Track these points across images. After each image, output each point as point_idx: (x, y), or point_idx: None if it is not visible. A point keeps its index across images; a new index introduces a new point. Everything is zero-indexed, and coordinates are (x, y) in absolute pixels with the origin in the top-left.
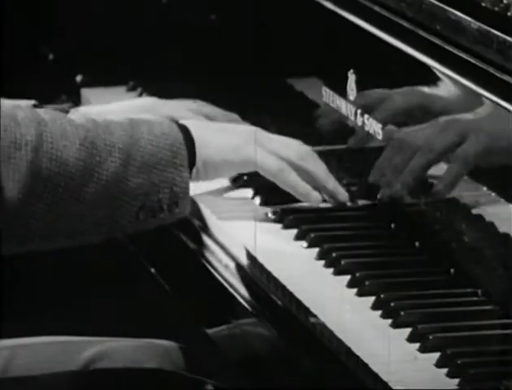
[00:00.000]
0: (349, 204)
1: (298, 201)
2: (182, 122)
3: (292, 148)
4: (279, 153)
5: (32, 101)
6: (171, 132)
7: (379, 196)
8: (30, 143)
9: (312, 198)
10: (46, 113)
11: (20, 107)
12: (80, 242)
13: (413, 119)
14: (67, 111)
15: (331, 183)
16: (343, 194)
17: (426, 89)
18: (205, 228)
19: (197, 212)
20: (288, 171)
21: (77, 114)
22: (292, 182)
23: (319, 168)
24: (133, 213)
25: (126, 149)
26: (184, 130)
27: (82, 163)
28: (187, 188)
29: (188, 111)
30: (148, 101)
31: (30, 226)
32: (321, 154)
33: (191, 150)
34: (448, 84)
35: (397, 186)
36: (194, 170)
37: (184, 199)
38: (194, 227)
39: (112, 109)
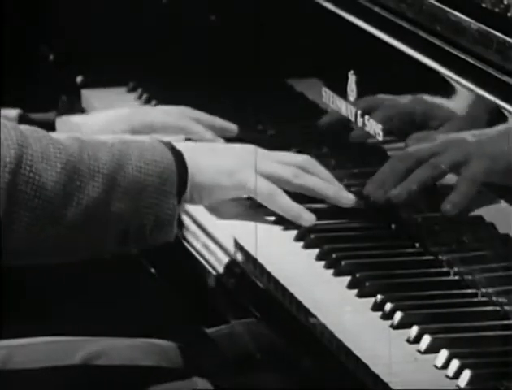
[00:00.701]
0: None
1: (298, 201)
2: (177, 147)
3: (288, 166)
4: (274, 175)
5: (17, 111)
6: (164, 158)
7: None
8: (9, 165)
9: (304, 220)
10: (32, 132)
11: (5, 125)
12: (60, 261)
13: (414, 122)
14: (52, 121)
15: (332, 190)
16: (346, 198)
17: (427, 92)
18: (205, 229)
19: (196, 212)
20: (279, 195)
21: (66, 135)
22: (283, 205)
23: (316, 181)
24: (113, 237)
25: (110, 175)
26: (178, 156)
27: (61, 187)
28: (173, 215)
29: (168, 117)
30: (125, 111)
31: (10, 244)
32: (321, 155)
33: (182, 177)
34: (448, 85)
35: (395, 195)
36: (187, 195)
37: (170, 225)
38: (194, 227)
39: (94, 120)
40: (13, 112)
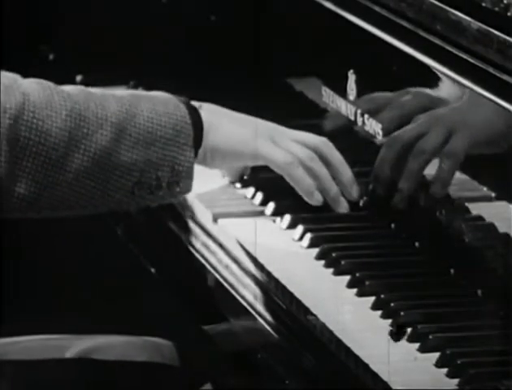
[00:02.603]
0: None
1: (298, 201)
2: (195, 103)
3: (305, 147)
4: (290, 150)
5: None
6: (177, 111)
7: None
8: (9, 111)
9: (313, 198)
10: (36, 83)
11: (6, 76)
12: (66, 214)
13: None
14: None
15: (334, 191)
16: (343, 205)
17: (427, 90)
18: (205, 228)
19: (196, 212)
20: (296, 166)
21: (72, 86)
22: (297, 177)
23: (326, 174)
24: (128, 188)
25: (120, 124)
26: (194, 111)
27: (67, 134)
28: (190, 168)
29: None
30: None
31: (13, 193)
32: None
33: (198, 132)
34: (448, 85)
35: (397, 191)
36: (201, 153)
37: (187, 178)
38: (194, 226)
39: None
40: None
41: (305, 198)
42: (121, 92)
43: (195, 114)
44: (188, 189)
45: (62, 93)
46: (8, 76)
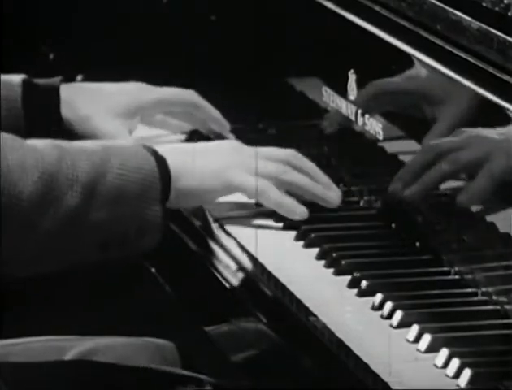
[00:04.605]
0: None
1: (297, 201)
2: (160, 152)
3: (274, 162)
4: (261, 172)
5: (21, 76)
6: (146, 164)
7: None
8: None
9: (297, 215)
10: (10, 141)
11: None
12: (39, 272)
13: (413, 121)
14: (57, 87)
15: (319, 190)
16: (333, 198)
17: (426, 91)
18: (205, 228)
19: (197, 212)
20: (271, 191)
21: (45, 142)
22: (275, 201)
23: (304, 178)
24: (96, 245)
25: (90, 184)
26: (161, 161)
27: (38, 198)
28: (157, 222)
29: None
30: (134, 86)
31: None
32: (321, 154)
33: (166, 185)
34: (448, 84)
35: (411, 190)
36: (173, 198)
37: (155, 232)
38: (195, 227)
39: (101, 90)
40: (17, 77)
41: (290, 217)
42: (92, 145)
43: (163, 166)
44: (157, 242)
45: (35, 152)
46: None
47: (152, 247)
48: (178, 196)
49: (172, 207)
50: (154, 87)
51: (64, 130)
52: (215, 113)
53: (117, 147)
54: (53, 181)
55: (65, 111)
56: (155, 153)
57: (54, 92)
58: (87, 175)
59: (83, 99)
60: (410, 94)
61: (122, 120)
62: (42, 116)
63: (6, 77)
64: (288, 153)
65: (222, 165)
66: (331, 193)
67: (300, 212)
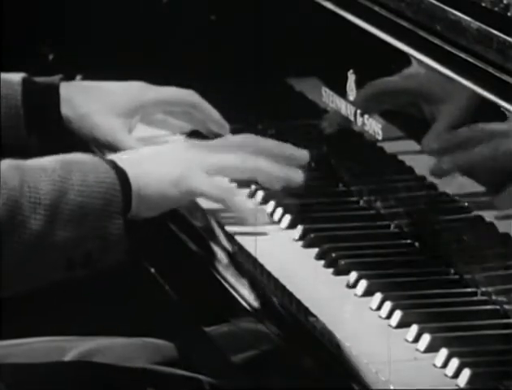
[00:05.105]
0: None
1: (298, 202)
2: (120, 163)
3: (233, 152)
4: (222, 166)
5: (21, 74)
6: (106, 177)
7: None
8: None
9: (258, 220)
10: None
11: None
12: (10, 294)
13: (413, 121)
14: (57, 85)
15: (280, 171)
16: (297, 176)
17: (426, 91)
18: (205, 228)
19: (196, 212)
20: (231, 197)
21: (5, 164)
22: (236, 206)
23: (265, 162)
24: (61, 264)
25: (52, 205)
26: (121, 173)
27: (4, 225)
28: (120, 235)
29: (178, 92)
30: (136, 85)
31: None
32: (321, 154)
33: (127, 197)
34: (448, 84)
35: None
36: (134, 211)
37: (118, 245)
38: (194, 227)
39: (102, 89)
40: (17, 76)
41: (249, 223)
42: (51, 163)
43: (123, 178)
44: (121, 255)
45: None
46: None
47: (117, 261)
48: (139, 206)
49: (134, 218)
50: (155, 86)
51: (64, 128)
52: (215, 113)
53: (76, 162)
54: (17, 206)
55: (65, 109)
56: (115, 166)
57: (54, 90)
58: (49, 197)
59: (83, 97)
60: (410, 94)
61: (122, 119)
62: (42, 114)
63: (6, 76)
64: (244, 137)
65: (181, 171)
66: (294, 173)
67: (260, 219)
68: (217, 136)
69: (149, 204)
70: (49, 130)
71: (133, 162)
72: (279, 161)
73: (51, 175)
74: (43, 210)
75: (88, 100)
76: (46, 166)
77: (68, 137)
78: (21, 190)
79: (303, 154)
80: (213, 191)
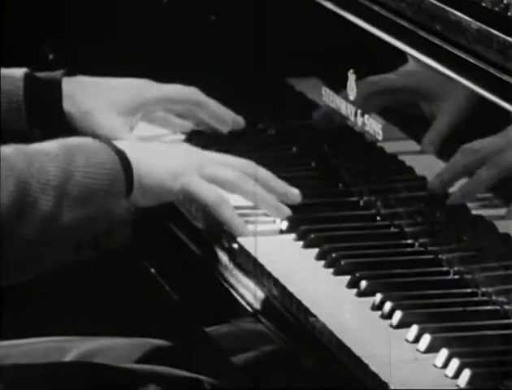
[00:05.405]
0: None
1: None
2: (120, 147)
3: (232, 168)
4: (218, 177)
5: (23, 69)
6: (109, 159)
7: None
8: None
9: (245, 234)
10: None
11: None
12: (20, 279)
13: (412, 121)
14: (59, 80)
15: (271, 201)
16: (284, 211)
17: (426, 91)
18: (205, 229)
19: (196, 212)
20: (225, 206)
21: (11, 148)
22: (227, 216)
23: (258, 189)
24: (70, 246)
25: (60, 186)
26: (123, 156)
27: (14, 207)
28: (124, 215)
29: (182, 90)
30: (139, 83)
31: None
32: (321, 154)
33: (129, 177)
34: (448, 84)
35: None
36: (136, 194)
37: (124, 226)
38: (194, 227)
39: (104, 85)
40: (19, 71)
41: (237, 235)
42: (53, 148)
43: (124, 159)
44: (126, 235)
45: (6, 161)
46: None
47: (122, 242)
48: (139, 191)
49: (132, 204)
50: (157, 83)
51: (65, 124)
52: (220, 111)
53: (78, 145)
54: (26, 188)
55: (67, 105)
56: (116, 149)
57: (56, 85)
58: (57, 178)
59: (85, 94)
60: (410, 94)
61: (123, 117)
62: (44, 110)
63: (7, 71)
64: (245, 162)
65: (180, 168)
66: (282, 209)
67: (247, 233)
68: (217, 134)
69: (147, 192)
70: (50, 126)
71: (134, 149)
72: (272, 193)
73: (55, 158)
74: (52, 191)
75: (91, 97)
76: (48, 151)
77: (70, 132)
78: (30, 172)
79: (295, 195)
80: (210, 194)
